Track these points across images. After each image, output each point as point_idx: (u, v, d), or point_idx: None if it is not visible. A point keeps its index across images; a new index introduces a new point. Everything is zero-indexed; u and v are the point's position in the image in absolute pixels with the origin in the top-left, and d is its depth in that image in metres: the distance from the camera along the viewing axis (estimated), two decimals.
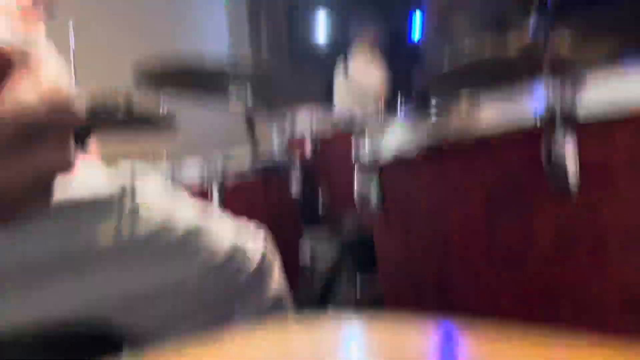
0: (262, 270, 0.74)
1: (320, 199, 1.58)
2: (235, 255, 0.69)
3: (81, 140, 1.51)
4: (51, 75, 0.27)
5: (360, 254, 1.57)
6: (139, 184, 0.62)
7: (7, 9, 0.31)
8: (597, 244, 0.65)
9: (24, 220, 0.29)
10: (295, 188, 1.42)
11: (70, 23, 2.03)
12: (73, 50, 2.05)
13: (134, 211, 0.59)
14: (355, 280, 1.54)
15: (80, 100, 0.29)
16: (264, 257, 0.75)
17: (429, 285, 0.78)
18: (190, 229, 0.64)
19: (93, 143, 2.19)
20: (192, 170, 1.23)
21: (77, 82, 2.13)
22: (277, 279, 0.77)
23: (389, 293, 0.93)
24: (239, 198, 1.26)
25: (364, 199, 0.85)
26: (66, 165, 0.28)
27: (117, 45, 3.54)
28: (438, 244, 0.75)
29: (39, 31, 0.32)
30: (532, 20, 1.35)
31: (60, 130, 0.28)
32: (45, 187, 0.29)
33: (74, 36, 2.04)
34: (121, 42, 3.66)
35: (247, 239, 0.74)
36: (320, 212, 1.58)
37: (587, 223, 0.65)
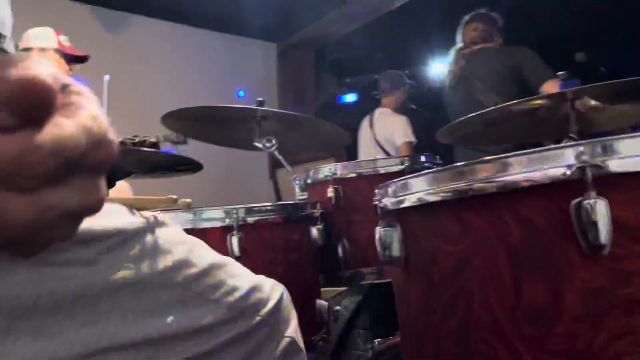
0: (278, 313, 0.72)
1: (341, 247, 1.56)
2: (253, 294, 0.68)
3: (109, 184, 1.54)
4: (90, 110, 0.28)
5: (380, 306, 1.53)
6: (160, 220, 0.62)
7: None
8: (629, 303, 0.62)
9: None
10: (315, 234, 1.41)
11: (105, 78, 2.16)
12: (106, 104, 2.20)
13: (155, 245, 0.58)
14: (373, 334, 1.50)
15: (116, 137, 0.30)
16: (281, 300, 0.74)
17: (450, 342, 0.75)
18: (210, 264, 0.63)
19: (123, 189, 2.24)
20: (214, 215, 1.24)
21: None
22: (292, 326, 0.75)
23: (408, 349, 0.90)
24: (259, 242, 1.26)
25: (386, 248, 0.84)
26: (97, 204, 0.29)
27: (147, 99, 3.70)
28: (460, 300, 0.73)
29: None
30: (561, 77, 1.35)
31: (96, 166, 0.28)
32: (73, 223, 0.29)
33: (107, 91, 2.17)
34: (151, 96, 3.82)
35: (266, 281, 0.73)
36: (340, 260, 1.56)
37: (618, 282, 0.62)
